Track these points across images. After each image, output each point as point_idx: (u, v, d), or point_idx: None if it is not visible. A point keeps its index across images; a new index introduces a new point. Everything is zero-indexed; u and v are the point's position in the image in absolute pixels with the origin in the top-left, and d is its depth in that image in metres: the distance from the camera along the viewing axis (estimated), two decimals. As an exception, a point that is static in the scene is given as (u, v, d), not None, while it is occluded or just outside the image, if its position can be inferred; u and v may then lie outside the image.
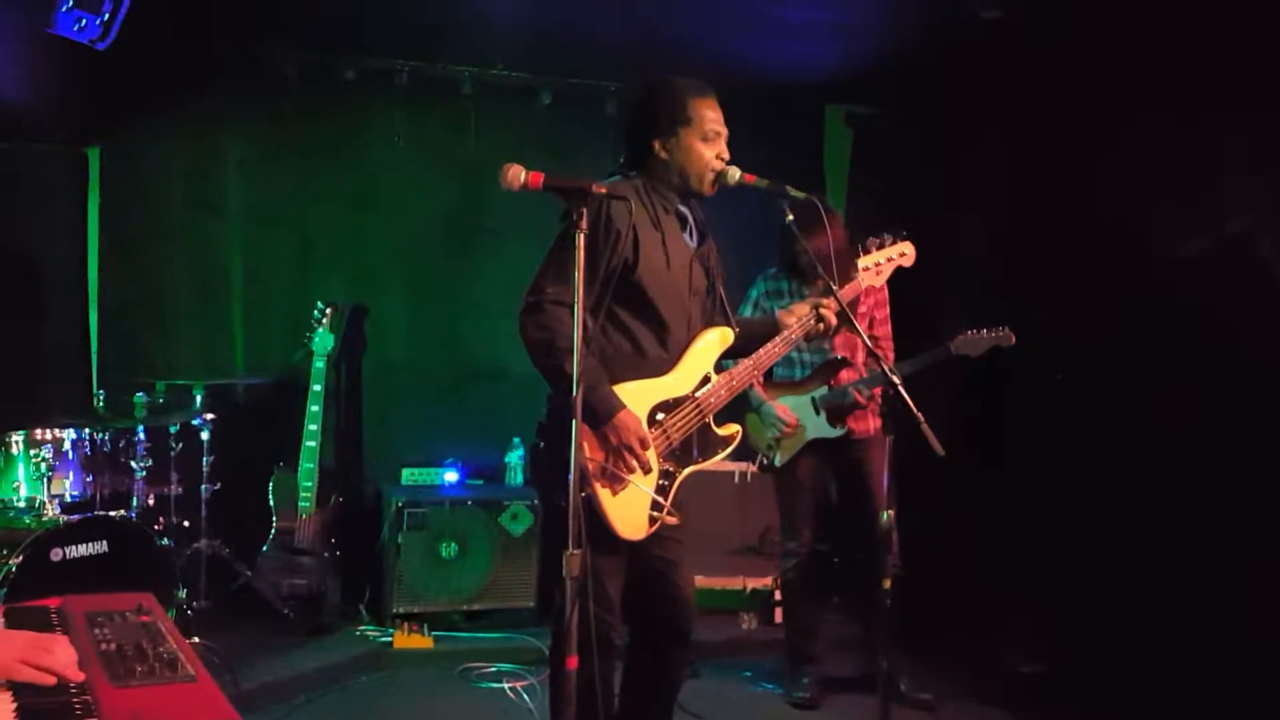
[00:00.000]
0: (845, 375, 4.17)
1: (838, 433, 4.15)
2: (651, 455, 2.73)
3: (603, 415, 2.65)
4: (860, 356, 4.22)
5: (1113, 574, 4.22)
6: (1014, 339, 3.92)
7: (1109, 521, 4.28)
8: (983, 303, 4.83)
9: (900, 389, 2.82)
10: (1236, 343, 3.75)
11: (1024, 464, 4.68)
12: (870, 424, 4.19)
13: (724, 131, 2.88)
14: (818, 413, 4.17)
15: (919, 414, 2.74)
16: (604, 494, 2.68)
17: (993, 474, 4.79)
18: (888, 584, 3.12)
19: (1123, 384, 4.25)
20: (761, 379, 4.28)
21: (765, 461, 4.28)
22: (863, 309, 4.17)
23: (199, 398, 4.73)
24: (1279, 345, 3.60)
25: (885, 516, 3.13)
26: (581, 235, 2.35)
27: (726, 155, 2.88)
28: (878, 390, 4.06)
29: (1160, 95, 4.02)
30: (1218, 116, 3.85)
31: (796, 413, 4.18)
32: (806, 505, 4.27)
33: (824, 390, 4.17)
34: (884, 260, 3.21)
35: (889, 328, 4.27)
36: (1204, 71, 3.87)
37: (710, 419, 2.88)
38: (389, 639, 4.72)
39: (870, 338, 4.17)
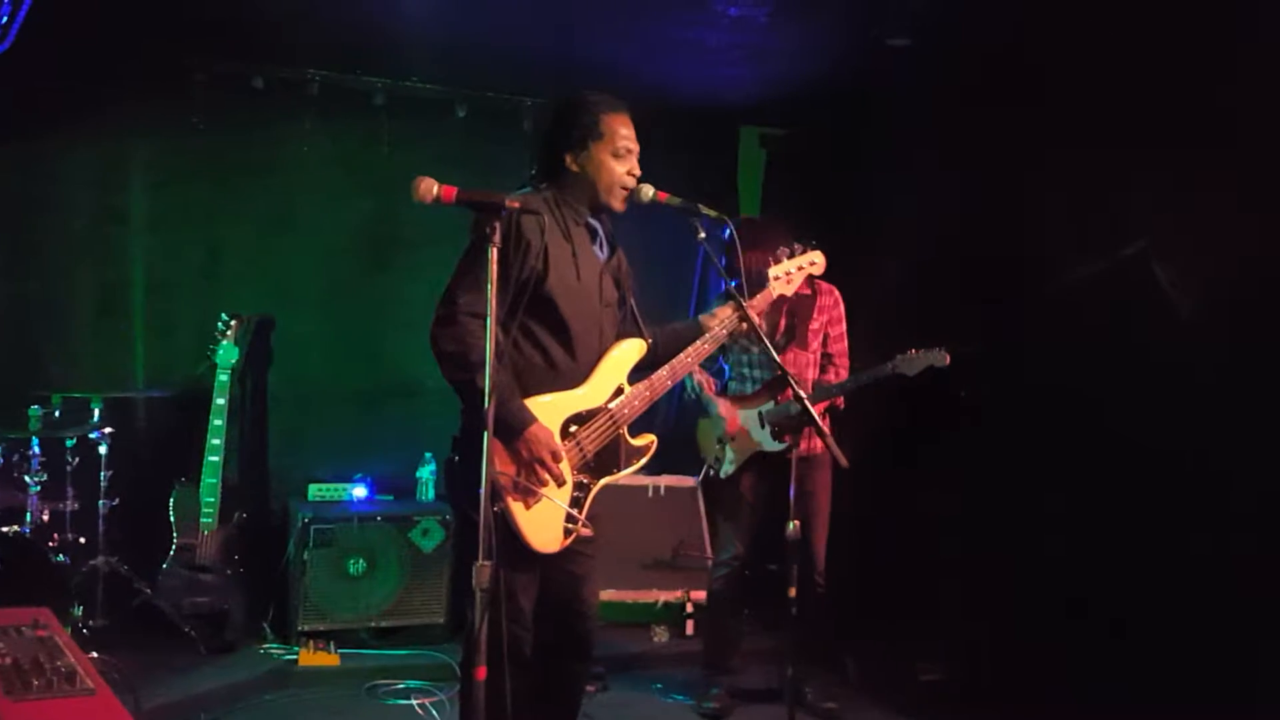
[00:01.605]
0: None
1: (779, 447, 4.21)
2: (565, 468, 2.75)
3: (515, 429, 2.66)
4: (810, 373, 4.29)
5: (1015, 581, 4.35)
6: (949, 359, 4.02)
7: (1012, 531, 4.41)
8: (892, 320, 4.95)
9: (806, 403, 2.92)
10: (1146, 354, 3.90)
11: (933, 477, 4.79)
12: (817, 442, 4.24)
13: (636, 148, 2.91)
14: (763, 426, 4.23)
15: (825, 429, 2.84)
16: (517, 508, 2.69)
17: (904, 487, 4.90)
18: (793, 593, 3.19)
19: (1030, 398, 4.38)
20: (711, 384, 4.35)
21: (712, 472, 4.33)
22: (815, 325, 4.25)
23: (97, 411, 4.60)
24: (1179, 356, 3.77)
25: (790, 527, 3.20)
26: (494, 249, 2.36)
27: (638, 172, 2.91)
28: (821, 406, 4.13)
29: (1066, 120, 4.19)
30: (1120, 140, 4.01)
31: (745, 425, 4.24)
32: (745, 519, 4.31)
33: (770, 405, 4.23)
34: (794, 269, 3.28)
35: (844, 344, 4.34)
36: (1107, 98, 4.03)
37: (624, 430, 2.91)
38: (294, 657, 4.64)
39: (824, 355, 4.29)
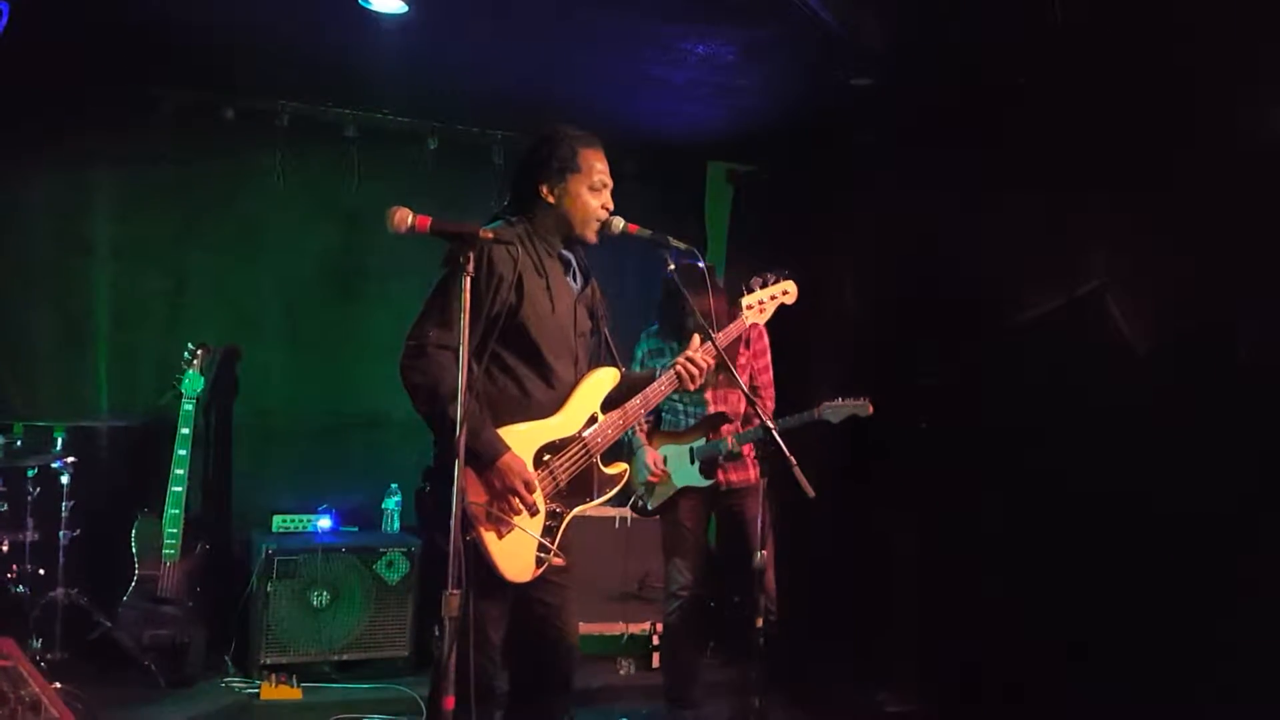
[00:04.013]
0: (726, 429, 4.25)
1: (706, 484, 4.23)
2: (538, 497, 2.76)
3: (487, 458, 2.66)
4: (741, 408, 4.31)
5: (978, 613, 4.38)
6: (871, 409, 4.06)
7: (974, 564, 4.45)
8: (853, 353, 5.01)
9: (775, 433, 2.95)
10: (1088, 391, 3.98)
11: (895, 508, 4.84)
12: (750, 473, 4.25)
13: (610, 183, 2.96)
14: (693, 462, 4.25)
15: (791, 458, 2.87)
16: (489, 537, 2.68)
17: (866, 518, 4.93)
18: (760, 623, 3.20)
19: (986, 430, 4.45)
20: (644, 425, 4.36)
21: (640, 504, 4.35)
22: (741, 360, 4.27)
23: (59, 440, 4.56)
24: (1125, 393, 3.85)
25: (758, 556, 3.21)
26: (468, 279, 2.39)
27: (611, 205, 2.96)
28: (748, 446, 4.17)
29: (1024, 160, 4.27)
30: (1077, 183, 4.10)
31: (674, 461, 4.25)
32: (689, 547, 4.30)
33: (702, 442, 4.25)
34: (767, 298, 3.34)
35: (770, 376, 4.36)
36: (1067, 140, 4.11)
37: (598, 459, 2.93)
38: (256, 690, 4.58)
39: (750, 388, 4.29)
